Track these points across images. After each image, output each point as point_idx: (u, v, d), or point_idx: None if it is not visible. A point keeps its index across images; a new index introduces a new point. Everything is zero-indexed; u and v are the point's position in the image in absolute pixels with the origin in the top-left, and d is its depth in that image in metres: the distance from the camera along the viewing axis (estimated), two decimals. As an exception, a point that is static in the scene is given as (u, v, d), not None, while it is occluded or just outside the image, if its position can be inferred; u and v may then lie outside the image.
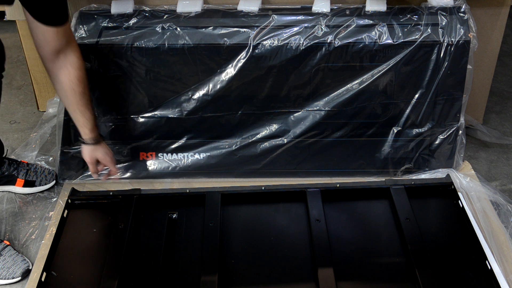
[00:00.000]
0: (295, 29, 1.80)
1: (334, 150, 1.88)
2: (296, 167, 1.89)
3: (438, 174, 1.85)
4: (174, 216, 1.67)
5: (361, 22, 1.81)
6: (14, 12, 1.99)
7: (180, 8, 1.85)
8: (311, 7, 1.86)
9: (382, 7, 1.84)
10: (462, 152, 1.89)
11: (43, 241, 1.66)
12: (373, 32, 1.79)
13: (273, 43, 1.79)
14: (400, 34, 1.79)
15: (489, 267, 1.47)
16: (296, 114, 1.87)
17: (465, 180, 1.80)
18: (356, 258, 1.53)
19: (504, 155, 2.05)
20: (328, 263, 1.48)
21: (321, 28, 1.80)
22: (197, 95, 1.85)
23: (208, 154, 1.89)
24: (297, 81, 1.84)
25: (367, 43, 1.79)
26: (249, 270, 1.51)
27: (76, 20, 1.84)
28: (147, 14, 1.85)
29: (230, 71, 1.82)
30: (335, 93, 1.84)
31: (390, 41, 1.79)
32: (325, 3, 1.85)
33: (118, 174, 1.85)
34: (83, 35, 1.81)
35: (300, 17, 1.83)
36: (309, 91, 1.85)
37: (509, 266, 1.53)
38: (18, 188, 1.86)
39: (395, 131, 1.87)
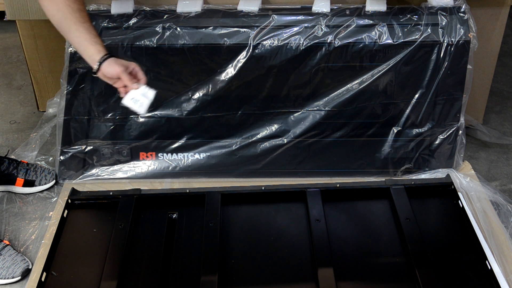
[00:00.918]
0: (295, 29, 1.80)
1: (334, 150, 1.88)
2: (296, 167, 1.89)
3: (438, 174, 1.85)
4: (174, 216, 1.67)
5: (361, 22, 1.81)
6: (14, 12, 1.99)
7: (180, 8, 1.85)
8: (311, 7, 1.85)
9: (382, 7, 1.84)
10: (462, 152, 1.89)
11: (43, 241, 1.66)
12: (373, 32, 1.79)
13: (273, 43, 1.79)
14: (400, 34, 1.79)
15: (489, 267, 1.47)
16: (296, 114, 1.87)
17: (465, 180, 1.80)
18: (356, 258, 1.53)
19: (504, 155, 2.05)
20: (328, 263, 1.48)
21: (321, 28, 1.80)
22: (197, 95, 1.85)
23: (208, 154, 1.89)
24: (297, 81, 1.84)
25: (367, 43, 1.79)
26: (249, 270, 1.51)
27: (76, 20, 1.84)
28: (147, 14, 1.85)
29: (230, 71, 1.82)
30: (335, 93, 1.85)
31: (390, 41, 1.79)
32: (325, 3, 1.85)
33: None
34: (83, 35, 1.81)
35: (300, 17, 1.83)
36: (309, 91, 1.85)
37: (509, 266, 1.53)
38: (18, 188, 1.86)
39: (395, 131, 1.87)
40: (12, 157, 1.93)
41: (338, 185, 1.74)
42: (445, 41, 1.79)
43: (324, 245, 1.53)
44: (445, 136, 1.87)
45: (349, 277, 1.48)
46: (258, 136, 1.88)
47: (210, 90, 1.84)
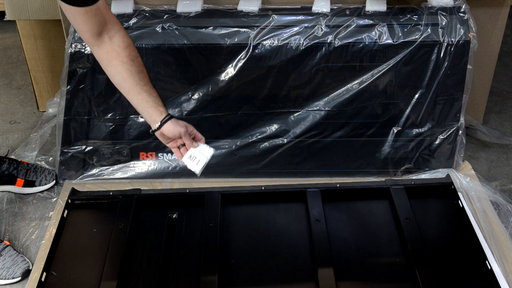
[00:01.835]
0: (295, 29, 1.80)
1: (334, 150, 1.88)
2: (296, 167, 1.89)
3: (438, 174, 1.85)
4: (174, 216, 1.67)
5: (361, 22, 1.81)
6: (14, 12, 1.99)
7: (180, 8, 1.85)
8: (311, 7, 1.86)
9: (382, 7, 1.84)
10: (462, 152, 1.89)
11: (43, 241, 1.66)
12: (373, 32, 1.79)
13: (273, 43, 1.79)
14: (400, 34, 1.79)
15: (489, 267, 1.47)
16: (296, 114, 1.87)
17: (465, 180, 1.80)
18: (356, 258, 1.53)
19: (504, 155, 2.05)
20: (328, 263, 1.48)
21: (321, 28, 1.80)
22: (197, 95, 1.85)
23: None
24: (297, 81, 1.84)
25: (367, 43, 1.79)
26: (249, 270, 1.51)
27: (76, 20, 1.84)
28: (147, 14, 1.85)
29: (230, 71, 1.82)
30: (335, 93, 1.84)
31: (390, 41, 1.79)
32: (325, 3, 1.85)
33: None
34: (83, 35, 1.81)
35: (300, 17, 1.83)
36: (309, 91, 1.85)
37: (509, 266, 1.53)
38: (18, 188, 1.86)
39: (395, 131, 1.87)
40: (12, 157, 1.93)
41: (338, 185, 1.74)
42: (445, 41, 1.79)
43: (324, 245, 1.53)
44: (445, 136, 1.87)
45: (349, 277, 1.48)
46: (258, 136, 1.88)
47: (210, 90, 1.84)
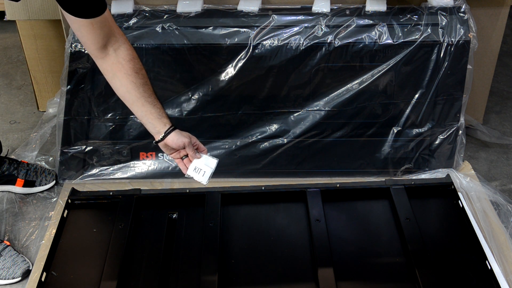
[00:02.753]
0: (295, 29, 1.80)
1: (334, 150, 1.88)
2: (296, 167, 1.89)
3: (438, 174, 1.85)
4: (174, 216, 1.67)
5: (361, 22, 1.81)
6: (14, 12, 1.99)
7: (180, 8, 1.85)
8: (311, 7, 1.86)
9: (382, 7, 1.84)
10: (462, 152, 1.89)
11: (43, 241, 1.66)
12: (373, 32, 1.79)
13: (273, 43, 1.79)
14: (400, 34, 1.79)
15: (489, 267, 1.47)
16: (296, 114, 1.87)
17: (465, 180, 1.80)
18: (356, 258, 1.53)
19: (504, 155, 2.05)
20: (328, 263, 1.48)
21: (321, 28, 1.80)
22: (197, 95, 1.85)
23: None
24: (297, 81, 1.84)
25: (367, 43, 1.79)
26: (249, 270, 1.51)
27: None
28: (147, 14, 1.85)
29: (230, 71, 1.82)
30: (335, 93, 1.85)
31: (390, 41, 1.79)
32: (325, 3, 1.85)
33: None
34: (83, 35, 1.81)
35: (300, 17, 1.83)
36: (309, 91, 1.85)
37: (509, 266, 1.53)
38: (18, 188, 1.86)
39: (395, 131, 1.87)
40: (12, 157, 1.93)
41: (338, 185, 1.74)
42: (445, 41, 1.79)
43: (324, 245, 1.53)
44: (445, 136, 1.87)
45: (349, 277, 1.48)
46: (258, 136, 1.88)
47: (210, 90, 1.84)
